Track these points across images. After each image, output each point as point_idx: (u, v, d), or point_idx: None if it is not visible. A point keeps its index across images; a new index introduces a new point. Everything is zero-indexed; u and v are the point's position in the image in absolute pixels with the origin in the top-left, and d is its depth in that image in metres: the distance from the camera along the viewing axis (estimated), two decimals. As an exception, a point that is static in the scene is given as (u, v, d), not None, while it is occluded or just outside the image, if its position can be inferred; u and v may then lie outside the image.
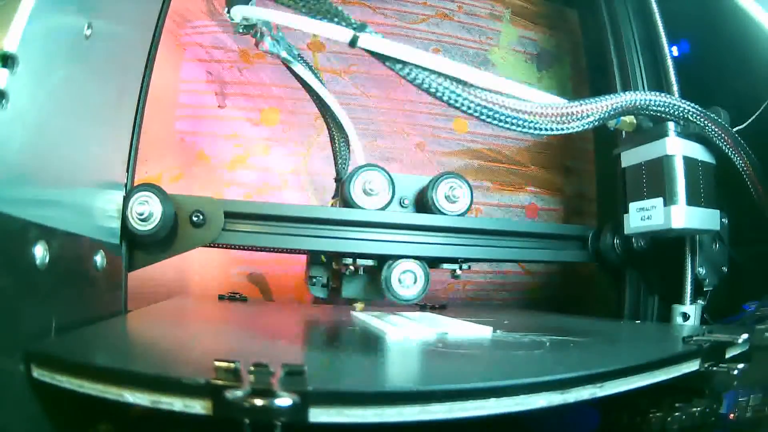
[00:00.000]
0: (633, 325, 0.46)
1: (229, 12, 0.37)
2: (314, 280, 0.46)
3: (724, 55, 0.48)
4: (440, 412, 0.19)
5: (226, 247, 0.43)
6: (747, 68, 0.44)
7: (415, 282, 0.40)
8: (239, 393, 0.17)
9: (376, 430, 0.18)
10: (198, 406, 0.18)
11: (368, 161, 0.43)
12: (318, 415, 0.17)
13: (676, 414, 0.29)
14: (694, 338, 0.31)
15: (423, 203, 0.43)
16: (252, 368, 0.18)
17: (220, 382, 0.17)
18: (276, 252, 0.49)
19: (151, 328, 0.33)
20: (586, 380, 0.22)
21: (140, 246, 0.36)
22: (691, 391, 0.31)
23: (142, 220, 0.34)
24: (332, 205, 0.48)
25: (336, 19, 0.32)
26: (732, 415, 0.42)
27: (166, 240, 0.36)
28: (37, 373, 0.20)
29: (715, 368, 0.29)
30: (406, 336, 0.31)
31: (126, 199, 0.35)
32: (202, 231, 0.37)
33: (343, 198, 0.41)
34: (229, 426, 0.17)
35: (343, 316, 0.43)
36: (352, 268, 0.41)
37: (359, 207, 0.40)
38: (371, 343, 0.30)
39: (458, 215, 0.42)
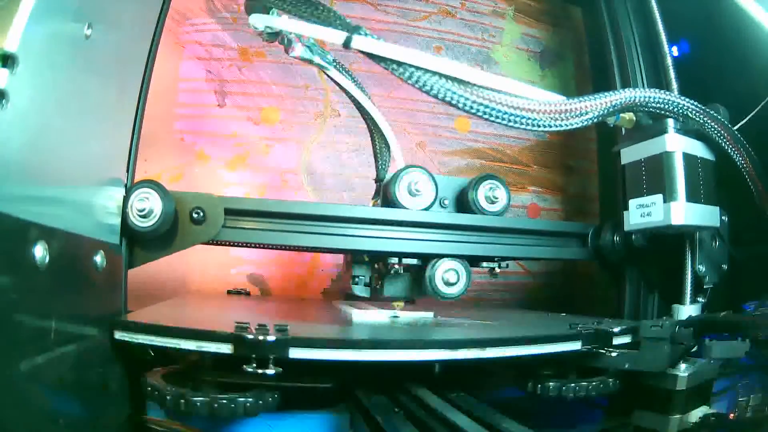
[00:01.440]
0: (556, 317, 0.51)
1: (250, 20, 0.38)
2: (357, 279, 0.47)
3: (723, 55, 0.48)
4: (368, 355, 0.30)
5: (227, 245, 0.43)
6: (747, 68, 0.44)
7: (457, 280, 0.41)
8: (249, 336, 0.28)
9: (331, 367, 0.29)
10: (225, 348, 0.28)
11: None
12: (294, 352, 0.29)
13: (571, 384, 0.36)
14: (579, 326, 0.37)
15: (462, 203, 0.44)
16: (257, 326, 0.29)
17: (238, 333, 0.28)
18: (282, 249, 0.49)
19: (186, 309, 0.44)
20: (472, 343, 0.32)
21: (140, 243, 0.36)
22: (595, 371, 0.39)
23: (143, 217, 0.34)
24: (373, 205, 0.48)
25: (329, 22, 0.32)
26: (732, 415, 0.42)
27: (166, 237, 0.36)
28: (119, 335, 0.30)
29: (600, 351, 0.36)
30: (367, 317, 0.42)
31: (126, 195, 0.35)
32: (203, 228, 0.37)
33: (386, 198, 0.42)
34: (242, 363, 0.28)
35: (329, 306, 0.50)
36: (396, 267, 0.41)
37: (404, 207, 0.41)
38: (340, 320, 0.41)
39: (497, 215, 0.44)
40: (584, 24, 0.73)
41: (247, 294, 0.58)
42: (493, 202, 0.43)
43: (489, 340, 0.33)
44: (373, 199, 0.51)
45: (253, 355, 0.28)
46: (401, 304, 0.46)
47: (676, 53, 0.50)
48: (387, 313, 0.43)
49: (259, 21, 0.37)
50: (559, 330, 0.38)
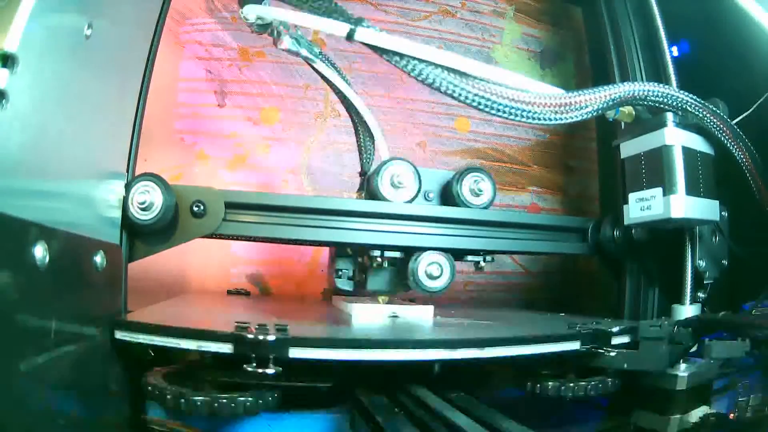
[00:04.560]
0: (555, 317, 0.51)
1: (242, 11, 0.38)
2: (341, 272, 0.47)
3: (723, 55, 0.48)
4: (368, 354, 0.30)
5: (229, 238, 0.43)
6: (746, 68, 0.44)
7: (441, 273, 0.41)
8: (249, 336, 0.28)
9: (331, 367, 0.30)
10: (226, 348, 0.29)
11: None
12: (294, 352, 0.29)
13: (570, 384, 0.36)
14: (578, 326, 0.38)
15: (447, 197, 0.44)
16: (257, 326, 0.30)
17: (238, 333, 0.28)
18: (282, 243, 0.49)
19: (186, 309, 0.43)
20: (471, 343, 0.32)
21: (141, 236, 0.36)
22: (595, 371, 0.39)
23: (143, 210, 0.34)
24: (357, 198, 0.48)
25: (333, 14, 0.32)
26: (732, 415, 0.42)
27: (166, 230, 0.36)
28: (119, 335, 0.30)
29: (599, 350, 0.36)
30: (368, 316, 0.42)
31: (127, 189, 0.35)
32: (203, 221, 0.37)
33: (370, 190, 0.42)
34: (242, 363, 0.28)
35: (329, 305, 0.50)
36: (379, 260, 0.41)
37: (387, 200, 0.41)
38: (340, 320, 0.41)
39: (482, 208, 0.43)
40: (584, 24, 0.73)
41: (247, 294, 0.58)
42: (477, 195, 0.43)
43: (488, 340, 0.33)
44: (357, 191, 0.51)
45: (254, 355, 0.28)
46: (386, 298, 0.46)
47: (676, 53, 0.50)
48: (386, 312, 0.43)
49: (252, 11, 0.37)
50: (558, 330, 0.38)
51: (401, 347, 0.31)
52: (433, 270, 0.40)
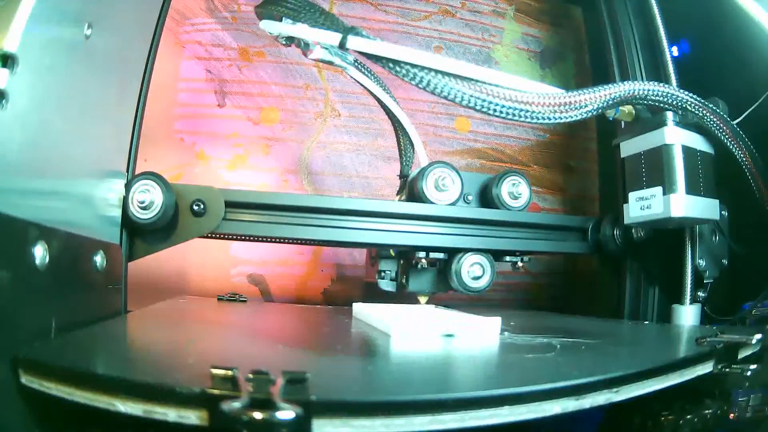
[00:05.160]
0: (640, 325, 0.46)
1: (260, 25, 0.38)
2: (383, 274, 0.48)
3: (723, 55, 0.48)
4: (452, 421, 0.18)
5: (230, 238, 0.43)
6: (746, 68, 0.44)
7: (483, 274, 0.42)
8: (237, 404, 0.16)
9: None
10: (193, 417, 0.17)
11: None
12: (322, 426, 0.17)
13: (689, 417, 0.29)
14: (708, 339, 0.29)
15: (486, 199, 0.45)
16: (251, 376, 0.17)
17: (216, 392, 0.16)
18: (289, 243, 0.49)
19: (147, 331, 0.32)
20: (603, 385, 0.22)
21: (141, 235, 0.36)
22: (701, 393, 0.31)
23: (143, 209, 0.34)
24: (399, 200, 0.49)
25: (326, 24, 0.32)
26: (732, 415, 0.42)
27: (166, 229, 0.36)
28: (25, 379, 0.19)
29: (727, 370, 0.28)
30: (411, 337, 0.30)
31: (127, 188, 0.35)
32: (203, 220, 0.37)
33: (413, 193, 0.43)
34: None
35: (344, 316, 0.42)
36: (424, 261, 0.42)
37: (431, 202, 0.42)
38: (376, 346, 0.30)
39: (520, 210, 0.45)
40: (584, 24, 0.73)
41: (243, 301, 0.49)
42: (516, 198, 0.45)
43: (621, 378, 0.23)
44: (398, 194, 0.52)
45: None
46: (426, 297, 0.46)
47: (676, 53, 0.50)
48: (437, 328, 0.32)
49: (267, 27, 0.37)
50: (685, 349, 0.31)
51: (500, 404, 0.19)
52: (476, 270, 0.42)
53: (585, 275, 0.71)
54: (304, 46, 0.39)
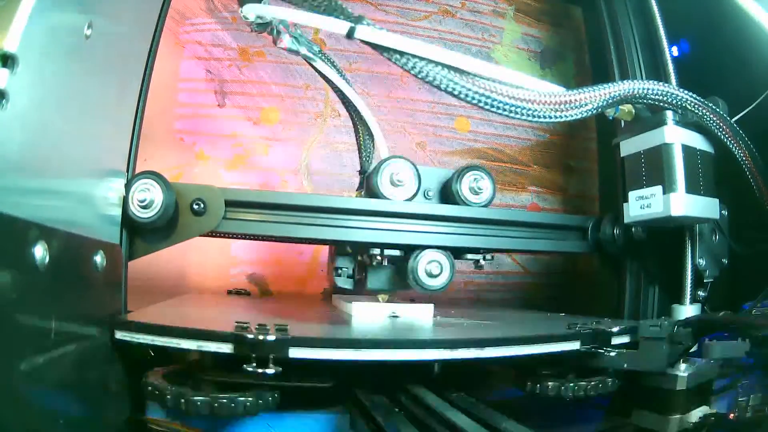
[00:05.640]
0: (555, 317, 0.51)
1: (242, 10, 0.38)
2: (340, 271, 0.47)
3: (723, 55, 0.48)
4: (365, 354, 0.30)
5: (230, 237, 0.43)
6: (746, 68, 0.44)
7: (441, 272, 0.41)
8: (250, 336, 0.28)
9: (331, 367, 0.31)
10: (225, 348, 0.29)
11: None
12: (294, 352, 0.29)
13: (570, 384, 0.36)
14: (578, 326, 0.38)
15: (447, 195, 0.44)
16: (257, 326, 0.29)
17: (239, 333, 0.28)
18: (284, 242, 0.49)
19: (186, 309, 0.43)
20: (472, 343, 0.32)
21: (141, 234, 0.36)
22: (595, 371, 0.38)
23: (143, 208, 0.34)
24: (357, 197, 0.48)
25: (334, 13, 0.32)
26: (732, 415, 0.42)
27: (167, 228, 0.36)
28: (119, 335, 0.30)
29: (599, 350, 0.37)
30: (367, 316, 0.42)
31: (127, 187, 0.35)
32: (203, 219, 0.37)
33: (369, 189, 0.42)
34: (242, 363, 0.28)
35: (329, 305, 0.50)
36: (379, 258, 0.41)
37: (386, 198, 0.41)
38: (340, 320, 0.41)
39: (482, 206, 0.43)
40: (584, 24, 0.73)
41: (248, 294, 0.58)
42: (477, 193, 0.43)
43: (488, 340, 0.33)
44: (357, 190, 0.51)
45: (253, 355, 0.28)
46: (386, 297, 0.45)
47: (676, 53, 0.50)
48: (386, 312, 0.43)
49: (251, 11, 0.37)
50: (558, 330, 0.38)
51: (401, 347, 0.31)
52: (432, 268, 0.40)
53: (585, 275, 0.71)
54: (276, 34, 0.39)
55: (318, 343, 0.30)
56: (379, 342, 0.31)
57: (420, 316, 0.44)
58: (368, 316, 0.42)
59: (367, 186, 0.43)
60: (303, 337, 0.29)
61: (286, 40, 0.40)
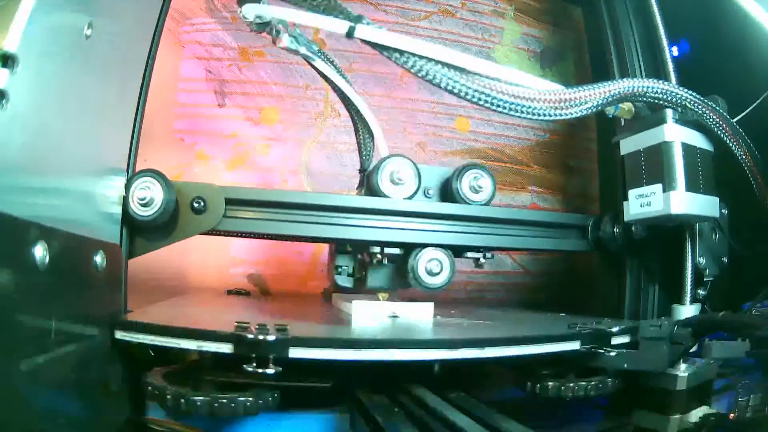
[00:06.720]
0: (556, 317, 0.51)
1: (241, 10, 0.38)
2: (340, 269, 0.47)
3: (723, 55, 0.48)
4: (365, 354, 0.30)
5: (230, 235, 0.43)
6: (746, 68, 0.44)
7: (441, 270, 0.41)
8: (250, 336, 0.28)
9: (330, 367, 0.30)
10: (225, 348, 0.29)
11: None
12: (294, 352, 0.29)
13: (570, 384, 0.36)
14: (578, 326, 0.38)
15: (447, 193, 0.44)
16: (257, 326, 0.30)
17: (239, 333, 0.28)
18: (284, 240, 0.49)
19: (186, 309, 0.44)
20: (471, 343, 0.32)
21: (141, 232, 0.36)
22: (595, 371, 0.38)
23: (144, 206, 0.34)
24: (357, 195, 0.48)
25: (334, 12, 0.32)
26: (732, 415, 0.42)
27: (167, 226, 0.36)
28: (119, 334, 0.30)
29: (599, 350, 0.37)
30: (367, 316, 0.42)
31: (127, 186, 0.35)
32: (203, 217, 0.37)
33: (370, 187, 0.42)
34: (242, 363, 0.28)
35: (329, 305, 0.50)
36: (379, 257, 0.41)
37: (386, 196, 0.41)
38: (340, 320, 0.42)
39: (482, 204, 0.43)
40: (584, 24, 0.73)
41: (248, 294, 0.58)
42: (477, 192, 0.43)
43: (488, 340, 0.33)
44: (357, 189, 0.51)
45: (253, 355, 0.28)
46: (386, 295, 0.45)
47: (676, 53, 0.50)
48: (386, 311, 0.43)
49: (251, 10, 0.37)
50: (558, 330, 0.38)
51: (401, 347, 0.31)
52: (433, 266, 0.40)
53: (585, 275, 0.71)
54: (276, 34, 0.39)
55: (318, 343, 0.30)
56: (379, 342, 0.31)
57: (420, 316, 0.44)
58: (368, 315, 0.42)
59: (368, 184, 0.43)
60: (303, 337, 0.29)
61: (285, 40, 0.40)
